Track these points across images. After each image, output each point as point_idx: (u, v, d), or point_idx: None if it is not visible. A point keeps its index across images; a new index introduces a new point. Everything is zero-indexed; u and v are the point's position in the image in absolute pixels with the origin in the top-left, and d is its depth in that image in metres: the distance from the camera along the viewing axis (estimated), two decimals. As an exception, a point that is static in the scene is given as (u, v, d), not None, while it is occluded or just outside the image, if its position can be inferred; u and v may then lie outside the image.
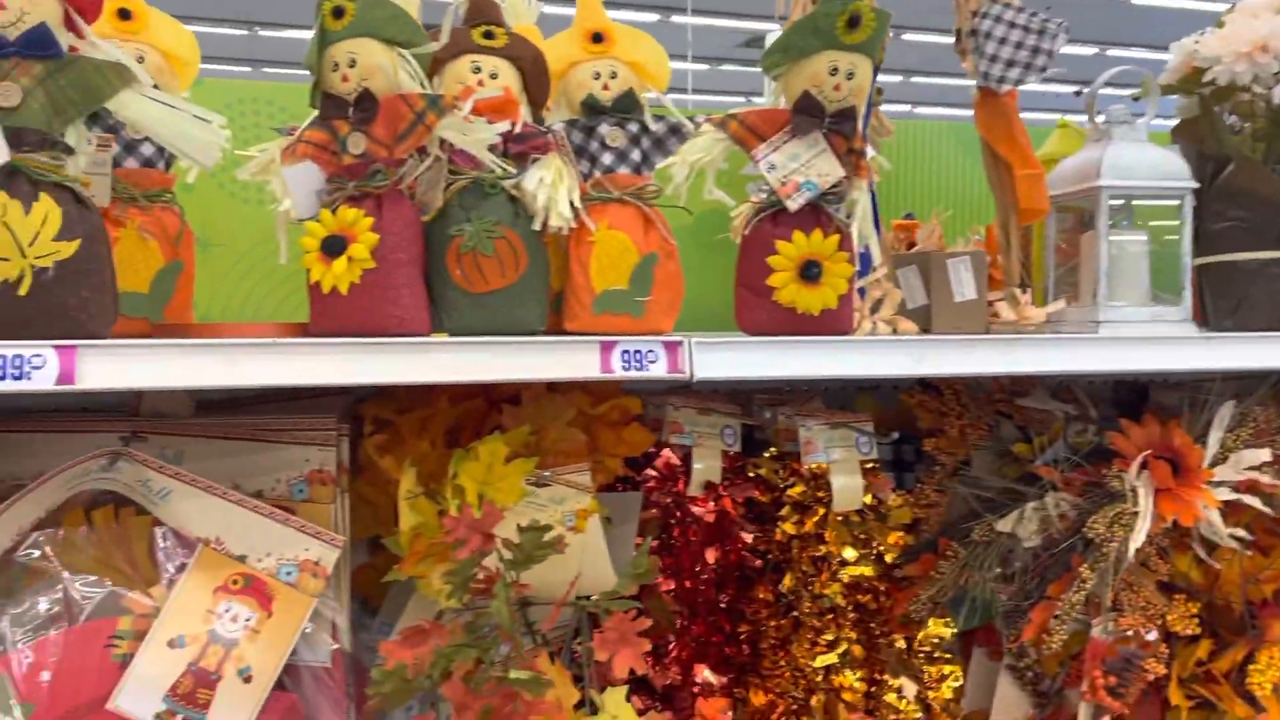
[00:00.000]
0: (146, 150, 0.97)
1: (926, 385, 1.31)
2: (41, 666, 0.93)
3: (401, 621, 1.13)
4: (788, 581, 1.18)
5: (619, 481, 1.15)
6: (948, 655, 1.20)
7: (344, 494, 1.05)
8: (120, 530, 1.01)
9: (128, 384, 0.75)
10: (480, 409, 1.11)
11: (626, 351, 0.86)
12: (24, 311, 0.74)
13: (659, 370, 0.87)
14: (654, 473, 1.17)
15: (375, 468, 1.09)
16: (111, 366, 0.74)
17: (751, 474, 1.21)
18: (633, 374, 0.86)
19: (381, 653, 0.89)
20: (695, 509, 1.16)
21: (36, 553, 0.96)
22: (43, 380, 0.72)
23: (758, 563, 1.19)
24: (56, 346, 0.73)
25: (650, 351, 0.86)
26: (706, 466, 1.18)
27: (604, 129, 1.01)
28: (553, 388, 1.11)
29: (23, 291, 0.74)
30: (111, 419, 1.06)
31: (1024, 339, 0.99)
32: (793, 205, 0.95)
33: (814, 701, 1.16)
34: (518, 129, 0.95)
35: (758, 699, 1.15)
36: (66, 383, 0.73)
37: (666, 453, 1.18)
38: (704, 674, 1.11)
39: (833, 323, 0.96)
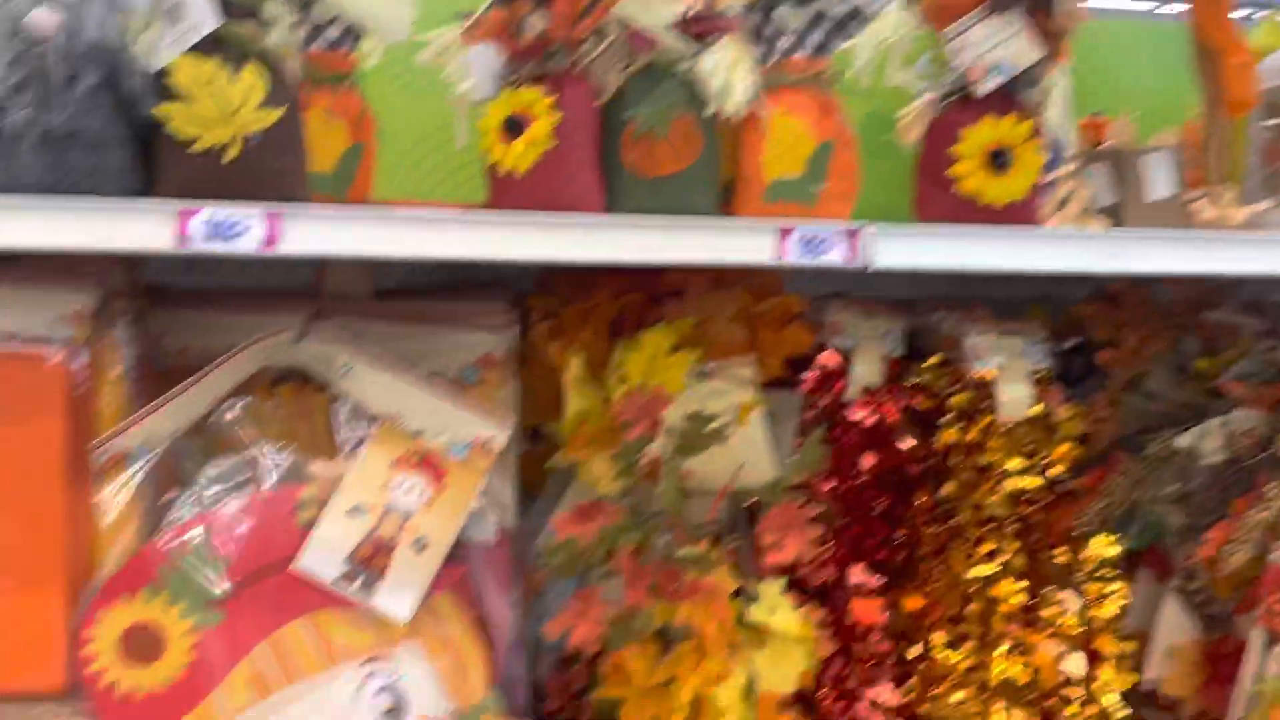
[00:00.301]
0: (333, 34, 1.00)
1: (1103, 296, 1.24)
2: (234, 527, 0.99)
3: (560, 509, 1.17)
4: (948, 489, 1.15)
5: (777, 382, 1.14)
6: (1114, 572, 1.16)
7: (513, 379, 1.08)
8: (303, 404, 1.06)
9: (327, 250, 0.78)
10: (642, 303, 1.11)
11: (804, 237, 0.84)
12: (229, 177, 0.78)
13: (835, 258, 0.84)
14: (813, 374, 1.15)
15: (539, 358, 1.11)
16: (313, 232, 0.76)
17: (914, 380, 1.18)
18: (808, 261, 0.84)
19: (552, 527, 0.91)
20: (854, 413, 1.14)
21: (230, 421, 1.02)
22: (248, 244, 0.76)
23: (917, 469, 1.17)
24: (262, 211, 0.76)
25: (828, 238, 0.84)
26: (867, 370, 1.16)
27: (782, 11, 0.98)
28: (716, 284, 1.10)
29: (229, 157, 0.77)
30: (296, 299, 1.10)
31: (1229, 237, 0.92)
32: (981, 89, 0.90)
33: (970, 610, 1.14)
34: (696, 10, 0.93)
35: (912, 604, 1.14)
36: (270, 247, 0.76)
37: (826, 355, 1.16)
38: (859, 575, 1.10)
39: (1019, 217, 0.92)
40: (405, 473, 1.03)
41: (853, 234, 0.85)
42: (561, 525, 0.91)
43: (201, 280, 1.16)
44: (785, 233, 0.84)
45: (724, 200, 0.99)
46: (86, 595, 0.95)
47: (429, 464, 1.03)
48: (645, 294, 1.10)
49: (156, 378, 1.04)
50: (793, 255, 0.83)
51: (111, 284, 0.96)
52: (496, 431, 1.03)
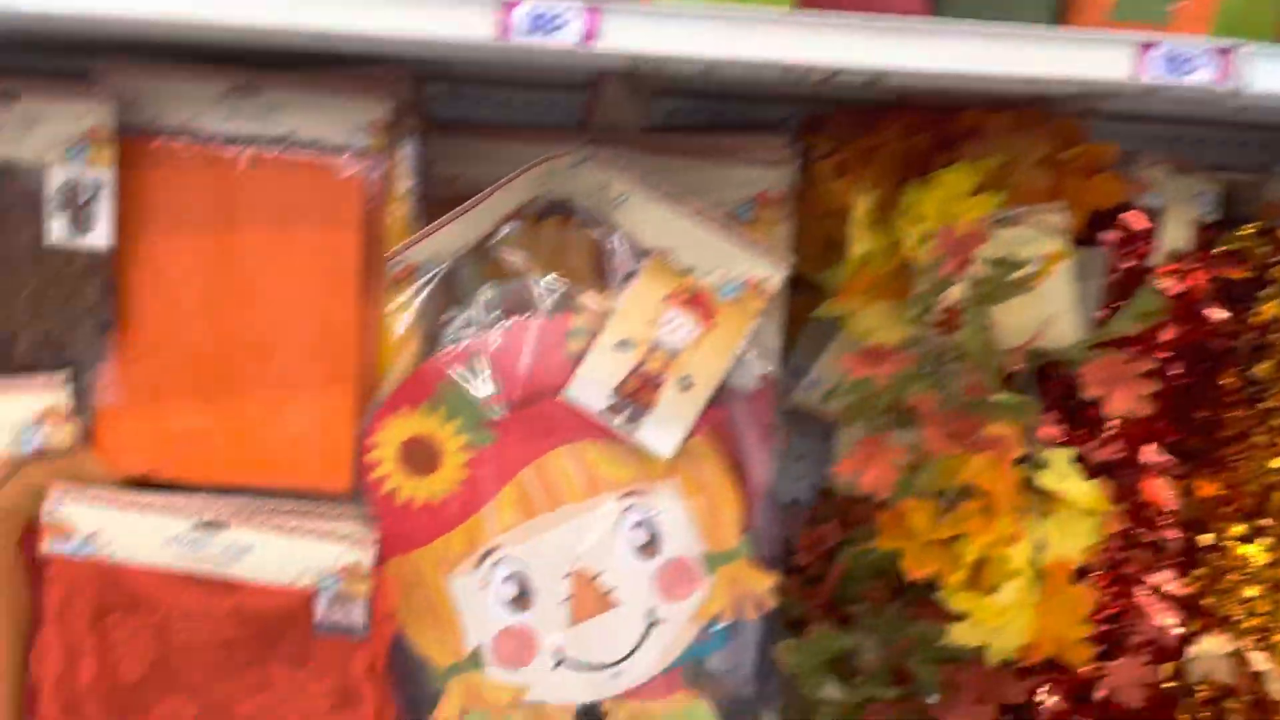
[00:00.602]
0: None
1: None
2: (507, 351, 0.99)
3: (820, 363, 1.12)
4: (1262, 370, 1.04)
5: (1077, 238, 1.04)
6: None
7: (788, 220, 1.03)
8: (571, 237, 1.05)
9: (643, 47, 0.74)
10: (928, 145, 1.03)
11: (1168, 53, 0.73)
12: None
13: (1203, 78, 0.74)
14: (1115, 235, 1.05)
15: (814, 199, 1.05)
16: (631, 28, 0.73)
17: (1228, 248, 1.06)
18: (1171, 80, 0.74)
19: (843, 366, 0.87)
20: (1160, 280, 1.04)
21: (505, 246, 1.02)
22: (567, 37, 0.73)
23: (1225, 345, 1.06)
24: (582, 4, 0.73)
25: (1195, 56, 0.73)
26: (1175, 234, 1.05)
27: None
28: (1016, 125, 1.01)
29: (547, -52, 0.74)
30: (564, 133, 1.08)
31: None
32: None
33: (1273, 503, 1.03)
34: None
35: (1206, 489, 1.04)
36: (589, 41, 0.73)
37: (1131, 214, 1.05)
38: (1151, 454, 1.01)
39: None
40: (674, 309, 1.00)
41: (1225, 52, 0.74)
42: (854, 365, 0.86)
43: (467, 111, 1.16)
44: (1146, 47, 0.74)
45: (1058, 19, 0.89)
46: (372, 404, 0.98)
47: (699, 302, 1.00)
48: (935, 134, 1.02)
49: (429, 203, 1.05)
50: (1152, 73, 0.74)
51: (403, 97, 0.96)
52: (772, 272, 0.99)
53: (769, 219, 1.02)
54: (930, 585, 0.96)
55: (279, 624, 0.96)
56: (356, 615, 0.96)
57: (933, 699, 1.00)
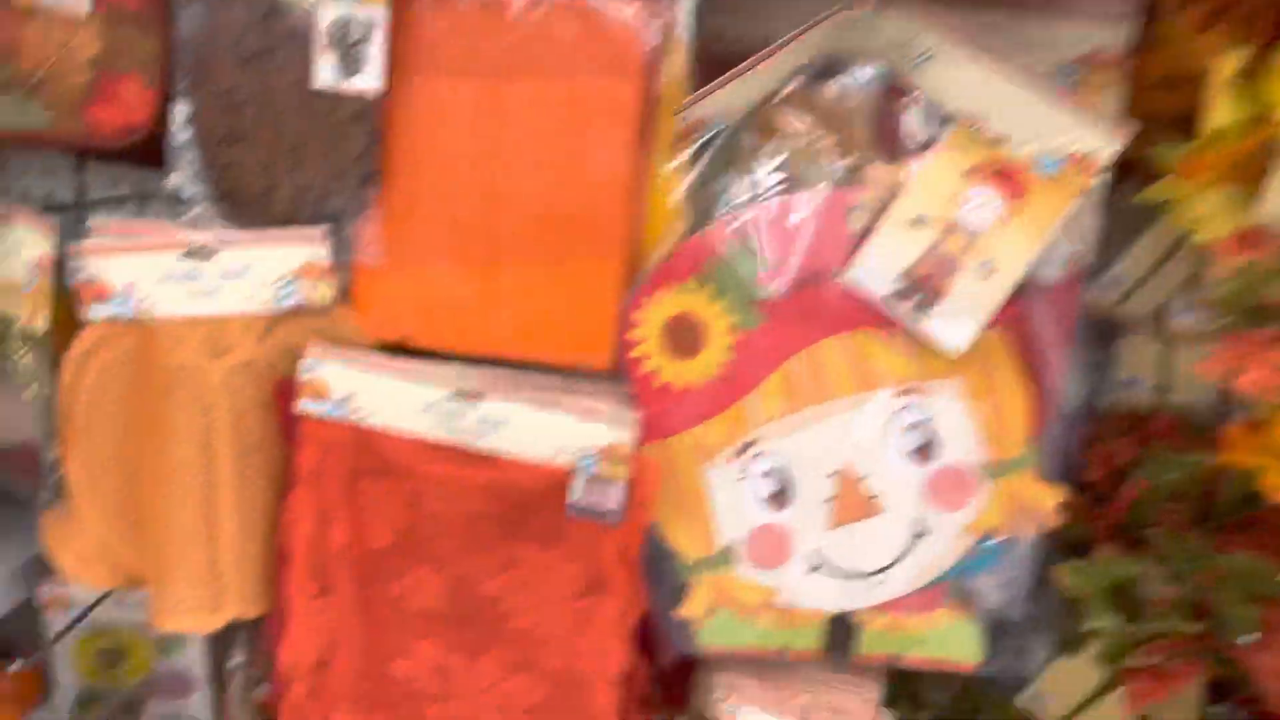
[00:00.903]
0: None
1: None
2: (784, 226, 0.90)
3: (1126, 258, 0.99)
4: None
5: None
6: None
7: (1123, 85, 0.89)
8: (860, 99, 0.93)
9: None
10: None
11: None
12: None
13: None
14: None
15: (1147, 66, 0.91)
16: None
17: None
18: None
19: (1218, 252, 0.74)
20: None
21: (786, 109, 0.92)
22: None
23: None
24: None
25: None
26: None
27: None
28: None
29: None
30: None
31: None
32: None
33: None
34: None
35: None
36: None
37: None
38: None
39: None
40: (980, 184, 0.88)
41: None
42: (1227, 250, 0.73)
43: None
44: None
45: None
46: (639, 277, 0.90)
47: (1009, 177, 0.88)
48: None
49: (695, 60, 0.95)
50: None
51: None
52: (1103, 145, 0.86)
53: (1098, 83, 0.88)
54: (1244, 513, 0.84)
55: (531, 502, 0.92)
56: (612, 498, 0.90)
57: (1242, 640, 0.89)
